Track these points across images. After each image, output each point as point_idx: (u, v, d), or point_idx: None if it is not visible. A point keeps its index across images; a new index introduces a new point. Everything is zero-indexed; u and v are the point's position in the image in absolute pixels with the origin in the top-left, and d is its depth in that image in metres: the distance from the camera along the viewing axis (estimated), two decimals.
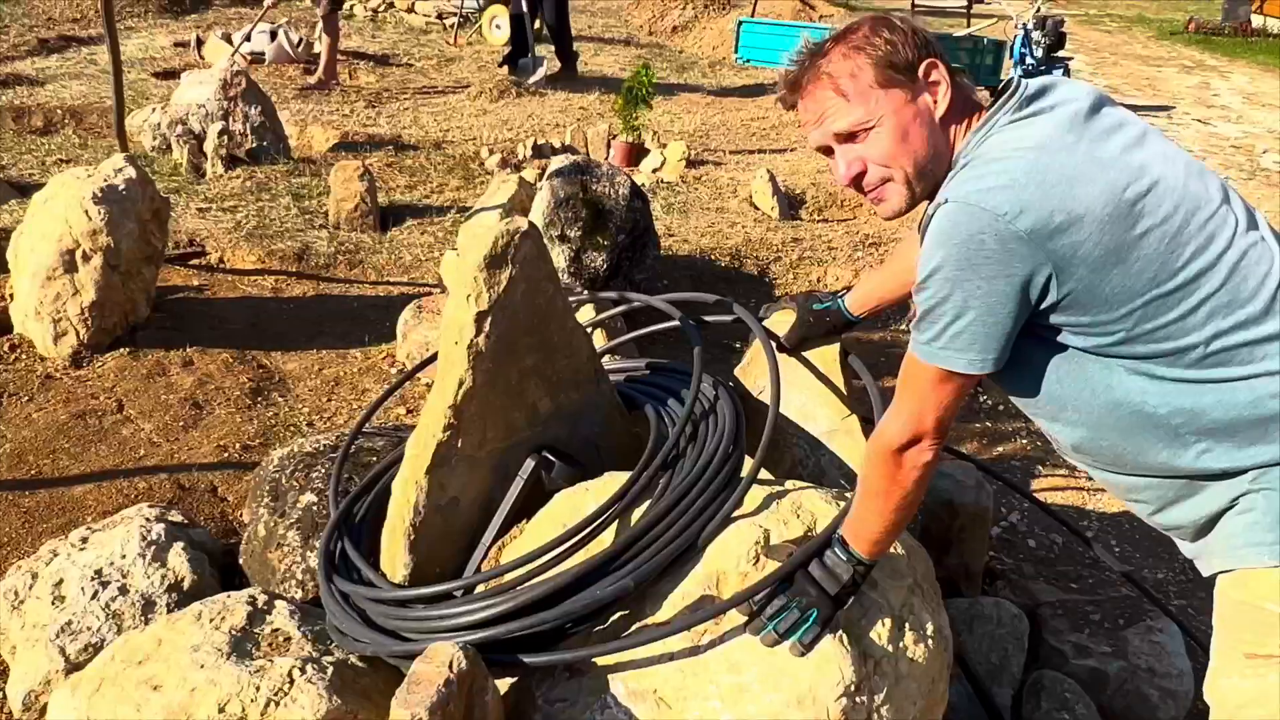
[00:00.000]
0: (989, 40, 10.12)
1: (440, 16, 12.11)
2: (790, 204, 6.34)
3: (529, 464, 2.08)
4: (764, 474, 2.15)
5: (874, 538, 1.65)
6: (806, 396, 2.23)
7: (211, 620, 1.95)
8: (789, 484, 2.00)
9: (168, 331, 3.96)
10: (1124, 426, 1.50)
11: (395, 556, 2.04)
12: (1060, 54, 10.84)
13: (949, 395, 1.51)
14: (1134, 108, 11.28)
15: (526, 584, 1.79)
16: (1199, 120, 10.80)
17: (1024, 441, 3.92)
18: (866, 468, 1.63)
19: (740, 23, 10.17)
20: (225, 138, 5.95)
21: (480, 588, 1.91)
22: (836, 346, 2.22)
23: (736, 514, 1.88)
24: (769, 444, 1.97)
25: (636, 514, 1.93)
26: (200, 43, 9.22)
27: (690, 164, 6.98)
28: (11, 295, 3.80)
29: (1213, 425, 1.45)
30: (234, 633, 1.93)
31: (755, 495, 1.93)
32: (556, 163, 4.23)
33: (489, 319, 1.96)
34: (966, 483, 2.52)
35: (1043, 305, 1.43)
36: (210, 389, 3.61)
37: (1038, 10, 10.43)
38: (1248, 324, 1.43)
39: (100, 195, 3.67)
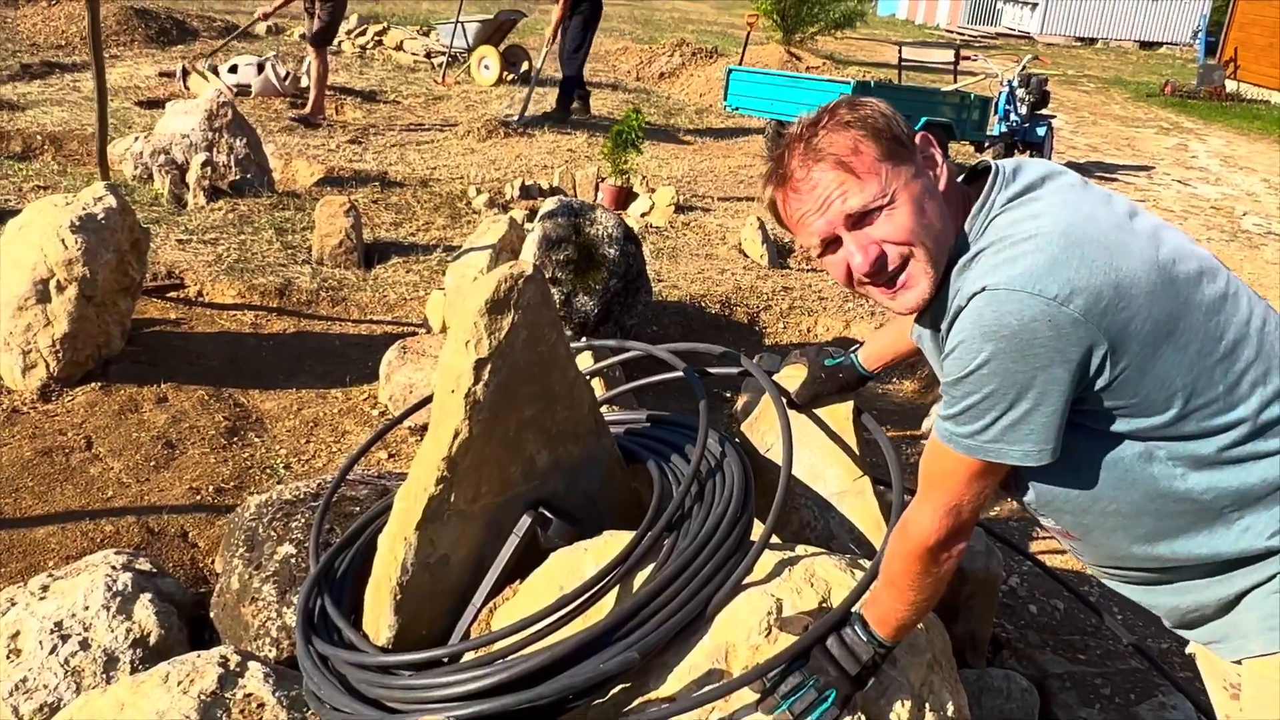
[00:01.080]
0: (975, 96, 10.20)
1: (429, 55, 12.11)
2: (779, 252, 6.29)
3: (525, 521, 1.97)
4: (773, 538, 2.05)
5: (899, 623, 1.55)
6: (816, 455, 2.13)
7: (180, 683, 1.82)
8: (800, 549, 1.89)
9: (142, 366, 3.82)
10: (1163, 513, 1.40)
11: (379, 617, 1.92)
12: (1043, 111, 10.96)
13: (988, 486, 1.40)
14: (1116, 167, 11.43)
15: (522, 653, 1.67)
16: (1179, 181, 10.91)
17: None
18: (896, 562, 1.51)
19: (730, 71, 10.21)
20: (208, 169, 5.84)
21: (471, 654, 1.79)
22: (850, 404, 2.13)
23: (747, 581, 1.77)
24: (783, 504, 1.87)
25: (640, 578, 1.82)
26: (186, 73, 9.13)
27: (679, 209, 6.94)
28: None
29: (1255, 500, 1.37)
30: (203, 697, 1.79)
31: (765, 561, 1.82)
32: (549, 204, 4.15)
33: (488, 367, 1.85)
34: (976, 548, 2.42)
35: (1096, 386, 1.32)
36: (184, 427, 3.47)
37: (1023, 69, 10.54)
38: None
39: (78, 224, 3.55)
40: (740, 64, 11.54)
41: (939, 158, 1.43)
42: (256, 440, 3.52)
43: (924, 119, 9.06)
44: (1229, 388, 1.34)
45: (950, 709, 1.71)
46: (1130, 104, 17.17)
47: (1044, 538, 3.59)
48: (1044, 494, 1.46)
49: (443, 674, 1.71)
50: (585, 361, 2.56)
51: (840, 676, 1.56)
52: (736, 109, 10.08)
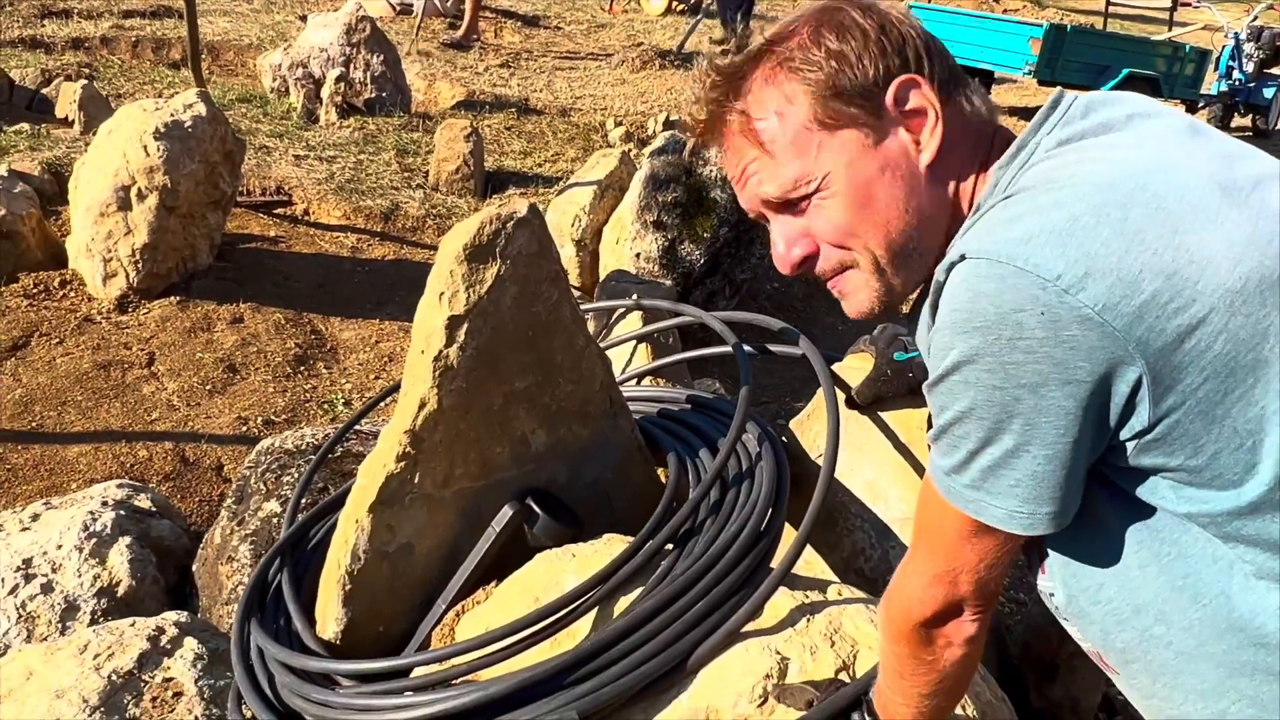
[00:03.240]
0: (1191, 48, 9.06)
1: None
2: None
3: (505, 513, 1.63)
4: (807, 564, 1.64)
5: None
6: (879, 470, 1.71)
7: (95, 656, 1.59)
8: (832, 590, 1.49)
9: (227, 283, 3.70)
10: (1236, 665, 0.86)
11: (328, 608, 1.64)
12: (1275, 70, 9.67)
13: (991, 553, 0.92)
14: None
15: (453, 684, 1.35)
16: None
17: None
18: (884, 639, 1.07)
19: (910, 7, 9.42)
20: (343, 85, 5.71)
21: (418, 672, 1.48)
22: (925, 411, 1.68)
23: (750, 627, 1.39)
24: (809, 531, 1.47)
25: (626, 601, 1.47)
26: None
27: None
28: (68, 229, 3.60)
29: None
30: (115, 677, 1.56)
31: (782, 603, 1.43)
32: (660, 139, 3.76)
33: (464, 326, 1.52)
34: None
35: (1123, 433, 0.84)
36: (251, 351, 3.32)
37: (1254, 19, 9.30)
38: None
39: (163, 130, 3.41)
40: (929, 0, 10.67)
41: (932, 111, 0.94)
42: (324, 371, 3.33)
43: (1126, 70, 8.09)
44: None
45: None
46: None
47: None
48: (1063, 580, 0.95)
49: (364, 691, 1.42)
50: (635, 323, 2.19)
51: None
52: None
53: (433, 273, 1.57)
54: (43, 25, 7.29)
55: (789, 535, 1.56)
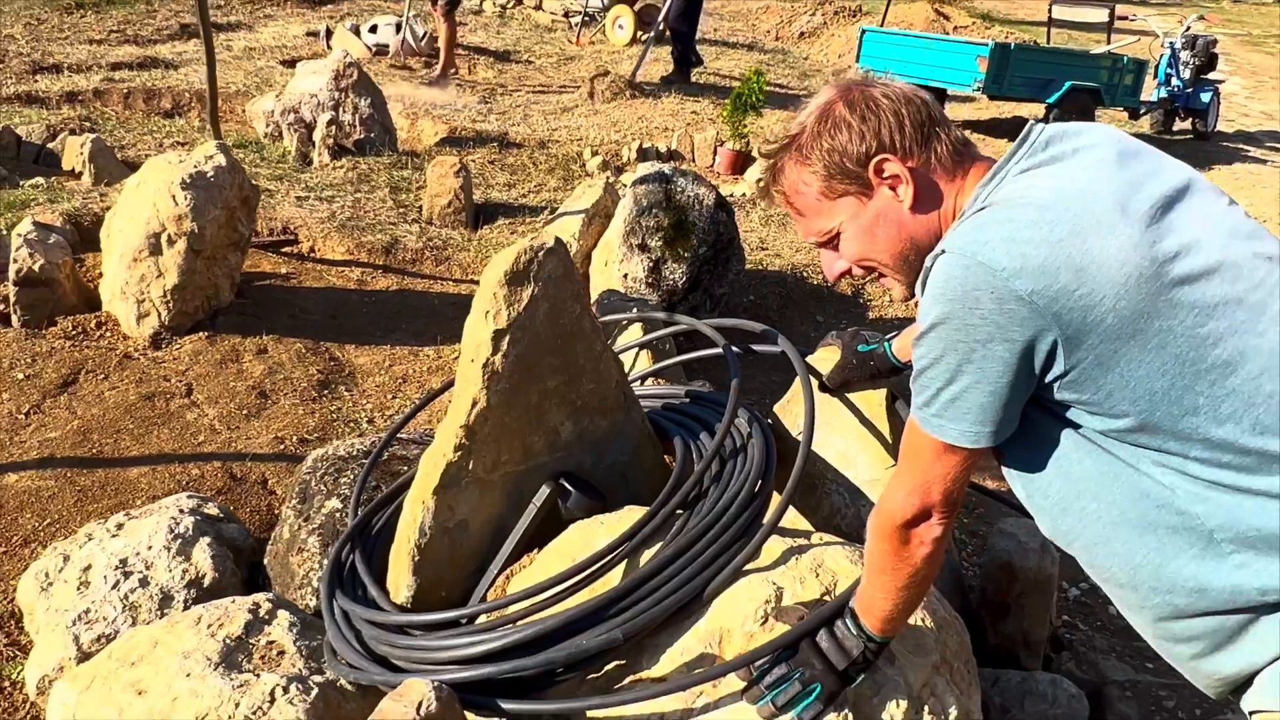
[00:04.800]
0: (1129, 59, 9.57)
1: (566, 14, 12.18)
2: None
3: (544, 491, 1.98)
4: (793, 522, 2.00)
5: (884, 615, 1.48)
6: (848, 441, 2.07)
7: (209, 626, 1.91)
8: (815, 537, 1.84)
9: (248, 318, 4.01)
10: (1146, 524, 1.24)
11: (399, 577, 1.97)
12: (1211, 76, 10.21)
13: (954, 467, 1.32)
14: None
15: (514, 624, 1.69)
16: None
17: None
18: (871, 542, 1.45)
19: (863, 31, 9.89)
20: (334, 128, 6.05)
21: (481, 619, 1.82)
22: (884, 391, 2.04)
23: (751, 566, 1.74)
24: (794, 491, 1.82)
25: (648, 555, 1.81)
26: (329, 33, 9.46)
27: None
28: (102, 273, 3.91)
29: (1254, 537, 1.19)
30: (228, 641, 1.88)
31: (775, 547, 1.78)
32: (642, 169, 4.12)
33: (507, 338, 1.86)
34: (1029, 545, 2.30)
35: (1048, 377, 1.23)
36: (279, 379, 3.63)
37: (1187, 29, 9.83)
38: None
39: (189, 181, 3.73)
40: (881, 24, 11.16)
41: (903, 175, 1.36)
42: (345, 394, 3.66)
43: (1069, 83, 8.57)
44: (1214, 405, 1.18)
45: (953, 713, 1.64)
46: None
47: None
48: (1020, 482, 1.37)
49: (441, 637, 1.75)
50: (637, 333, 2.55)
51: (826, 671, 1.51)
52: (870, 71, 9.77)
53: (478, 294, 1.91)
54: (36, 80, 7.58)
55: (778, 498, 1.91)
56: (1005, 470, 1.39)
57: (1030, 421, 1.29)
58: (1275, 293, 1.22)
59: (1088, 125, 1.37)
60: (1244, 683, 1.27)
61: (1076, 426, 1.27)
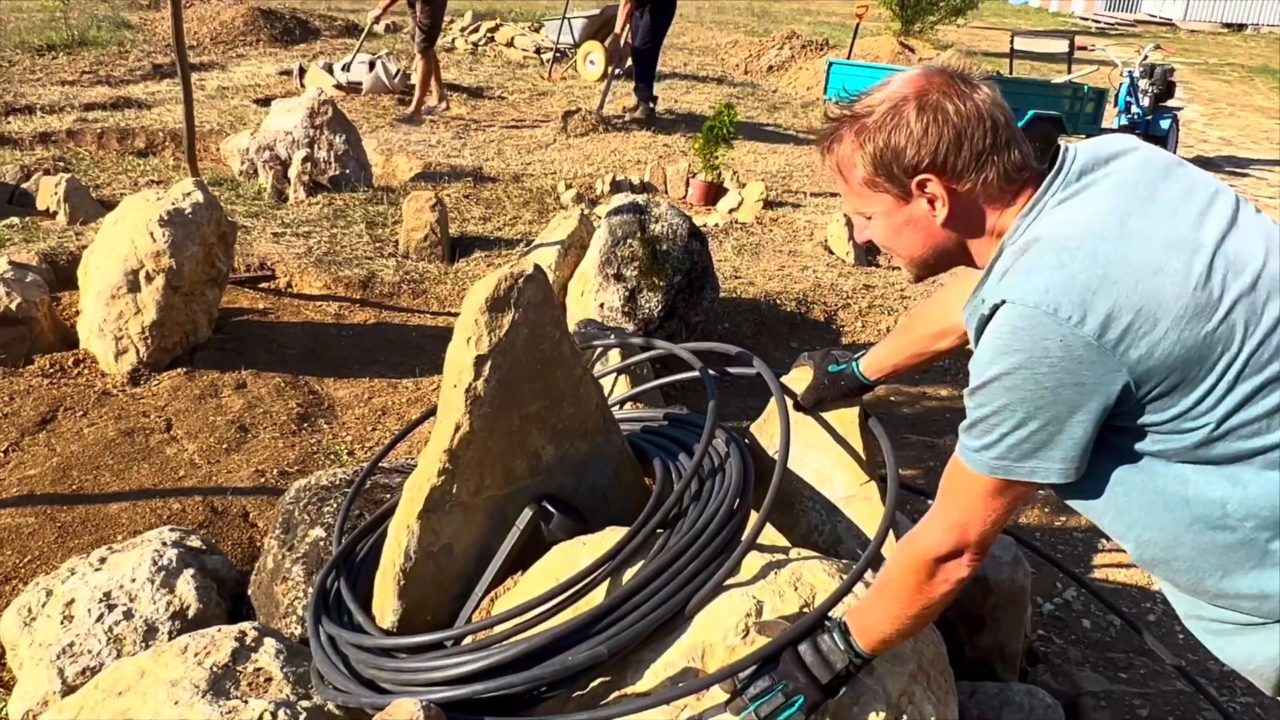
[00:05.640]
0: (1089, 88, 9.80)
1: (538, 51, 12.32)
2: (868, 249, 6.19)
3: (526, 514, 2.01)
4: (771, 539, 2.05)
5: (882, 638, 1.53)
6: (824, 459, 2.12)
7: (196, 654, 1.93)
8: (793, 552, 1.89)
9: (227, 353, 4.03)
10: (1202, 545, 1.33)
11: (385, 601, 1.99)
12: (1169, 104, 10.45)
13: (1000, 508, 1.38)
14: (1249, 161, 10.81)
15: (501, 643, 1.72)
16: None
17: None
18: (894, 569, 1.50)
19: (830, 64, 10.07)
20: (309, 165, 6.10)
21: (468, 640, 1.84)
22: (857, 409, 2.10)
23: (731, 582, 1.78)
24: (771, 507, 1.87)
25: (630, 573, 1.85)
26: (302, 71, 9.53)
27: (768, 205, 6.89)
28: (78, 311, 3.92)
29: None
30: (215, 669, 1.90)
31: (754, 563, 1.83)
32: (616, 201, 4.19)
33: (489, 363, 1.90)
34: (1002, 558, 2.36)
35: (1118, 411, 1.29)
36: (258, 413, 3.65)
37: (1144, 58, 10.07)
38: None
39: (166, 218, 3.76)
40: (849, 56, 11.37)
41: (944, 196, 1.41)
42: (325, 426, 3.67)
43: (1031, 112, 8.75)
44: (1270, 410, 1.27)
45: None
46: (1276, 94, 16.20)
47: (1111, 549, 3.46)
48: (1084, 510, 1.44)
49: (429, 658, 1.77)
50: (615, 358, 2.60)
51: (809, 684, 1.55)
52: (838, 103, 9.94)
53: (459, 321, 1.95)
54: (9, 121, 7.59)
55: (756, 515, 1.95)
56: (1068, 502, 1.47)
57: (1103, 451, 1.35)
58: None
59: (1117, 146, 1.43)
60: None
61: (1131, 456, 1.34)
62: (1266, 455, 1.28)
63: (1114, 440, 1.33)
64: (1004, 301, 1.29)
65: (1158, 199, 1.33)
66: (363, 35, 10.15)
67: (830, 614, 1.63)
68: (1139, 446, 1.32)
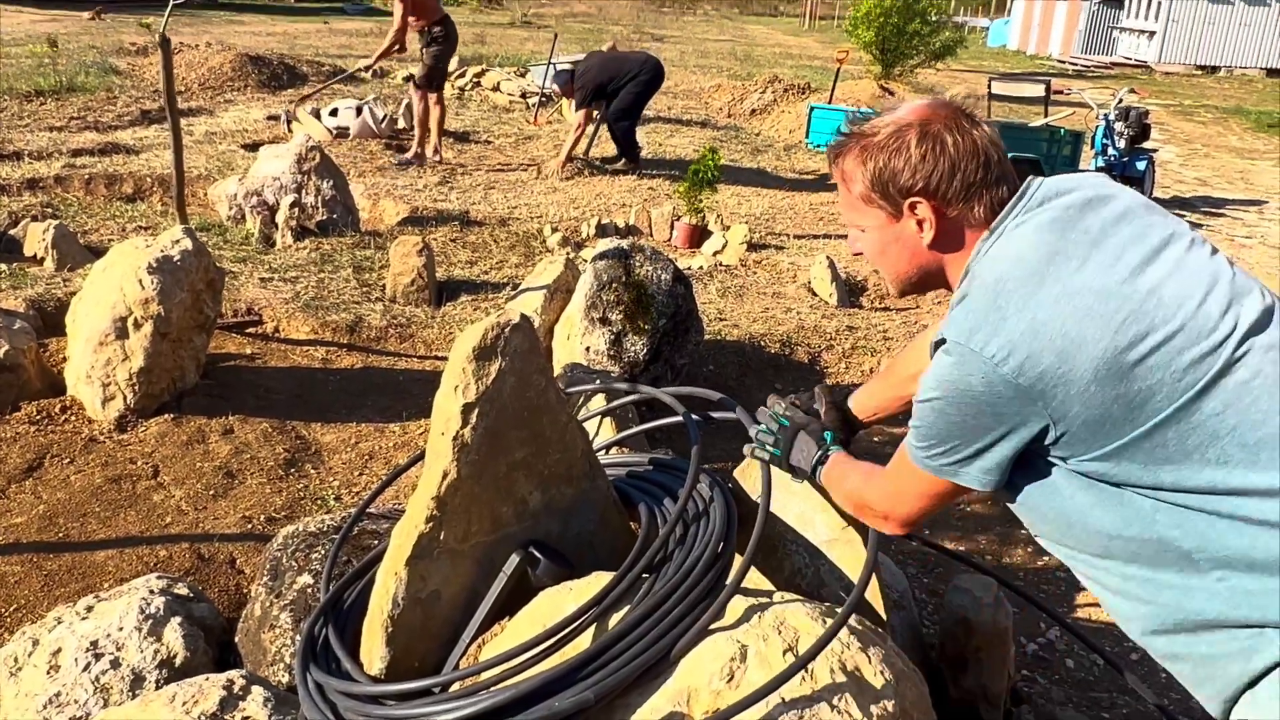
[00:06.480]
0: (1066, 131, 9.97)
1: (524, 95, 12.47)
2: (851, 291, 6.26)
3: (513, 560, 2.04)
4: (756, 582, 2.07)
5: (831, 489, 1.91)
6: (806, 504, 2.15)
7: (184, 703, 1.94)
8: (777, 596, 1.91)
9: (214, 399, 4.04)
10: (1132, 551, 1.39)
11: (373, 648, 2.01)
12: (1145, 145, 10.63)
13: (932, 501, 1.55)
14: (1224, 201, 10.99)
15: (488, 689, 1.73)
16: None
17: None
18: (842, 484, 1.84)
19: (812, 108, 10.23)
20: (296, 210, 6.14)
21: (456, 687, 1.86)
22: None
23: (716, 626, 1.80)
24: (755, 552, 1.90)
25: (617, 618, 1.87)
26: (290, 117, 9.61)
27: (752, 247, 6.97)
28: (66, 358, 3.94)
29: (1229, 556, 1.32)
30: (203, 718, 1.90)
31: (738, 607, 1.85)
32: (601, 245, 4.25)
33: (475, 411, 1.94)
34: (984, 600, 2.39)
35: (1043, 442, 1.40)
36: (245, 458, 3.66)
37: (1119, 101, 10.26)
38: (1244, 467, 1.30)
39: (155, 265, 3.79)
40: (830, 100, 11.54)
41: (932, 220, 1.52)
42: (312, 472, 3.69)
43: (1009, 154, 8.88)
44: (1186, 451, 1.32)
45: None
46: (1250, 135, 16.49)
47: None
48: (1020, 511, 1.54)
49: (417, 705, 1.79)
50: (600, 403, 2.63)
51: (783, 456, 2.01)
52: (820, 146, 10.08)
53: (447, 370, 1.98)
54: None
55: (741, 559, 1.98)
56: (1008, 504, 1.56)
57: (1026, 463, 1.45)
58: (1238, 339, 1.33)
59: (1081, 182, 1.51)
60: (1235, 696, 1.37)
61: (1068, 468, 1.43)
62: (1191, 485, 1.33)
63: (1050, 455, 1.42)
64: (945, 340, 1.42)
65: (1105, 244, 1.40)
66: (341, 76, 10.24)
67: (828, 443, 1.96)
68: (1075, 466, 1.40)
